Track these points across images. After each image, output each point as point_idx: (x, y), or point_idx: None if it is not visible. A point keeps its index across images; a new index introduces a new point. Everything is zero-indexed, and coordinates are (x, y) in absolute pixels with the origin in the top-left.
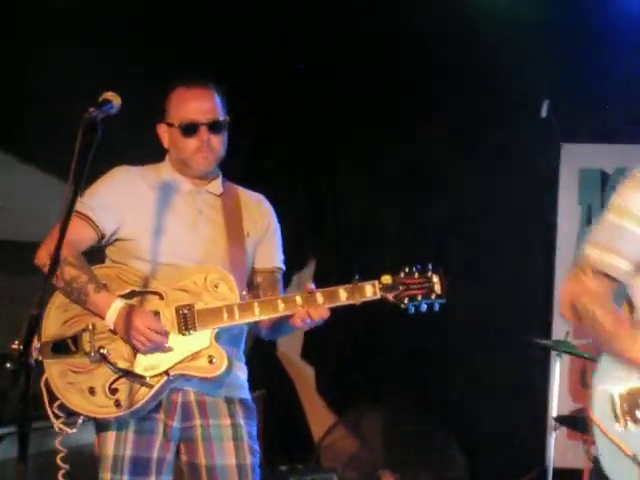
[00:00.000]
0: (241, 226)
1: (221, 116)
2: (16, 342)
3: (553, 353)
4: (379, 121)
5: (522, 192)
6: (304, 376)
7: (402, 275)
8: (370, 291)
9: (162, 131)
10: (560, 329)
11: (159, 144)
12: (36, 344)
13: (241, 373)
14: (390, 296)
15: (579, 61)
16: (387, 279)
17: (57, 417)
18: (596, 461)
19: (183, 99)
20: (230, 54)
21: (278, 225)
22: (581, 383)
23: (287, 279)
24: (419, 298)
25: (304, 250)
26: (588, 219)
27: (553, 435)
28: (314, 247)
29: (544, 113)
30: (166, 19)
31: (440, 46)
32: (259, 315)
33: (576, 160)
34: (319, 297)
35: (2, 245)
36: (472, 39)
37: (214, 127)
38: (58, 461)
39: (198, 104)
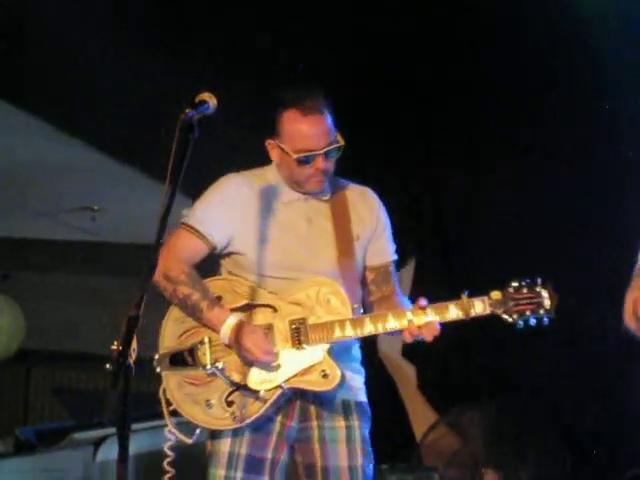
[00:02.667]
0: (350, 230)
1: (335, 140)
2: (115, 343)
3: None
4: (478, 113)
5: None
6: (405, 374)
7: (511, 290)
8: (480, 307)
9: (272, 148)
10: None
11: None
12: (134, 345)
13: (358, 376)
14: (499, 311)
15: None
16: (497, 295)
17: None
18: None
19: (299, 128)
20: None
21: (386, 217)
22: None
23: None
24: (528, 313)
25: (404, 250)
26: None
27: None
28: (414, 247)
29: None
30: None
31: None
32: (370, 331)
33: None
34: (430, 313)
35: (100, 247)
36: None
37: (329, 154)
38: (165, 465)
39: (314, 133)
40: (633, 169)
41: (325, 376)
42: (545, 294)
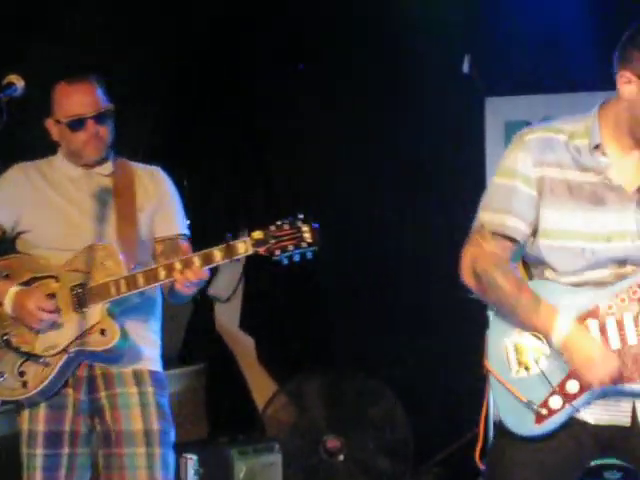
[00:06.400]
0: (133, 202)
1: (105, 106)
2: None
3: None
4: (304, 87)
5: (448, 149)
6: (244, 346)
7: (273, 228)
8: (242, 248)
9: (50, 126)
10: None
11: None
12: None
13: (149, 346)
14: (262, 250)
15: (498, 14)
16: (258, 234)
17: None
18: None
19: (66, 95)
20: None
21: (175, 194)
22: None
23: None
24: (290, 248)
25: (237, 222)
26: None
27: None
28: (245, 219)
29: (466, 68)
30: None
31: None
32: (144, 285)
33: (501, 113)
34: (196, 260)
35: None
36: None
37: (100, 118)
38: None
39: (81, 98)
40: None
41: (104, 334)
42: (306, 228)
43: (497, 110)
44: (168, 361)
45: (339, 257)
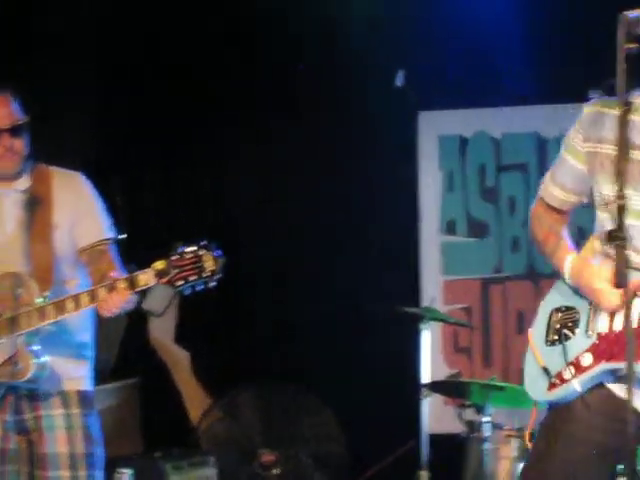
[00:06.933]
0: (49, 219)
1: (20, 119)
2: None
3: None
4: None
5: (381, 163)
6: (179, 360)
7: (175, 258)
8: (143, 280)
9: None
10: (427, 296)
11: None
12: None
13: (77, 364)
14: (164, 281)
15: (432, 28)
16: (160, 264)
17: None
18: None
19: None
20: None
21: (94, 198)
22: (454, 348)
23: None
24: (192, 279)
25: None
26: (449, 185)
27: (425, 402)
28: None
29: (399, 82)
30: None
31: (292, 17)
32: (54, 317)
33: (434, 127)
34: (101, 292)
35: None
36: (324, 10)
37: (15, 131)
38: None
39: None
40: None
41: (17, 367)
42: (207, 256)
43: (430, 124)
44: (102, 375)
45: (273, 270)
